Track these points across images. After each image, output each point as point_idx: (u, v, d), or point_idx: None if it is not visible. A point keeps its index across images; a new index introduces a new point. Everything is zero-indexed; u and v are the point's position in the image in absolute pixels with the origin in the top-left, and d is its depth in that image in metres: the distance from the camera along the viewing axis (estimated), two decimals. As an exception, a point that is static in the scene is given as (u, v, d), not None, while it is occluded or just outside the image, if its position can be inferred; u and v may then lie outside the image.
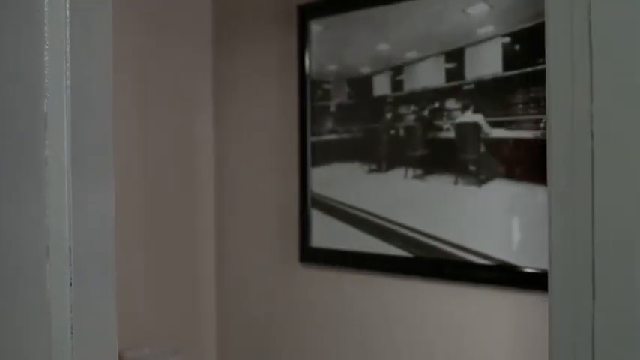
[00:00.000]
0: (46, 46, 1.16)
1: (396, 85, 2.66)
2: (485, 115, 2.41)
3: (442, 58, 2.52)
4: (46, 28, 1.16)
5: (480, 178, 2.43)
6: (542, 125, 2.27)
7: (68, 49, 1.16)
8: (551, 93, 0.99)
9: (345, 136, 2.82)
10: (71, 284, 1.18)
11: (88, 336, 1.21)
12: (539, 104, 2.27)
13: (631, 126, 0.91)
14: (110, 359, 1.27)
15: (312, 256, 2.95)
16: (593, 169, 0.94)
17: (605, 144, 0.93)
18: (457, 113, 2.48)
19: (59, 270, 1.18)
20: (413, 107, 2.60)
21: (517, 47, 2.34)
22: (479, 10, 2.44)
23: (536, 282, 2.32)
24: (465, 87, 2.46)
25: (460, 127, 2.48)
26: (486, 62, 2.40)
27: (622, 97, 0.91)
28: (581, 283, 0.95)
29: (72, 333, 1.18)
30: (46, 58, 1.17)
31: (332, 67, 2.87)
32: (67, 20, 1.16)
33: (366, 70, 2.75)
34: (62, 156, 1.17)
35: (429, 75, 2.56)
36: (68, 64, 1.16)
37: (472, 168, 2.44)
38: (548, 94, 1.00)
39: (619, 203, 0.92)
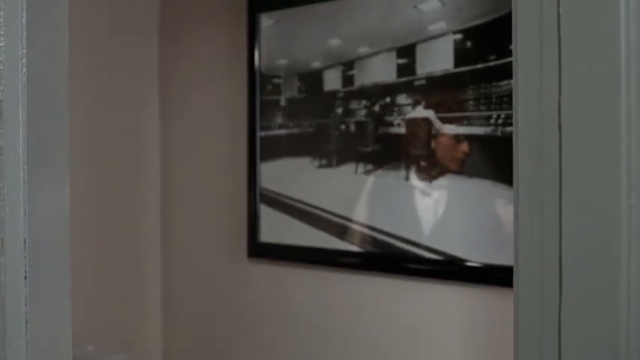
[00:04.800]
0: (2, 32, 1.13)
1: (347, 80, 2.66)
2: (436, 111, 2.42)
3: (393, 54, 2.53)
4: (1, 12, 1.12)
5: (431, 173, 2.44)
6: (492, 121, 2.29)
7: (24, 35, 1.12)
8: (519, 85, 0.99)
9: (295, 130, 2.81)
10: (26, 277, 1.15)
11: (43, 330, 1.17)
12: (490, 100, 2.29)
13: (599, 118, 0.91)
14: (65, 353, 1.24)
15: (260, 251, 2.93)
16: (561, 162, 0.94)
17: (574, 136, 0.93)
18: (408, 109, 2.49)
19: (14, 263, 1.14)
20: (364, 102, 2.60)
21: (468, 44, 2.35)
22: (431, 6, 2.45)
23: (486, 276, 2.34)
24: (417, 83, 2.47)
25: (411, 123, 2.48)
26: (438, 58, 2.42)
27: (590, 90, 0.92)
28: (547, 277, 0.96)
29: (27, 327, 1.14)
30: (1, 43, 1.13)
31: (282, 62, 2.85)
32: (24, 5, 1.12)
33: (316, 64, 2.74)
34: (17, 146, 1.14)
35: (380, 70, 2.56)
36: (24, 51, 1.13)
37: (423, 163, 2.45)
38: (516, 87, 1.00)
39: (587, 195, 0.93)
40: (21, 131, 1.13)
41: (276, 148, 2.86)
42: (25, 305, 1.14)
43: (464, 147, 2.37)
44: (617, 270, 0.92)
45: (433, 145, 2.43)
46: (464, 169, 2.37)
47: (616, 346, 0.92)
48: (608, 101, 0.91)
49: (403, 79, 2.50)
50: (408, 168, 2.49)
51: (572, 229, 0.95)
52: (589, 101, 0.93)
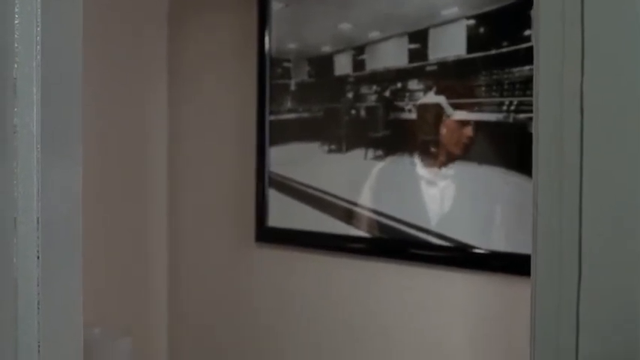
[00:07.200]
0: (16, 9, 1.11)
1: (358, 64, 2.64)
2: (448, 97, 2.40)
3: (405, 39, 2.51)
4: (16, -11, 1.11)
5: (441, 159, 2.42)
6: (504, 108, 2.27)
7: (39, 12, 1.11)
8: (540, 67, 0.97)
9: (305, 115, 2.79)
10: (38, 257, 1.14)
11: (55, 311, 1.17)
12: (503, 87, 2.27)
13: (623, 102, 0.90)
14: (76, 334, 1.23)
15: (268, 236, 2.93)
16: (582, 148, 0.93)
17: (596, 121, 0.92)
18: (419, 94, 2.47)
19: (26, 243, 1.13)
20: (374, 87, 2.59)
21: (481, 29, 2.33)
22: (443, -9, 2.43)
23: (494, 263, 2.34)
24: (428, 68, 2.45)
25: (422, 109, 2.47)
26: (450, 44, 2.40)
27: (614, 73, 0.91)
28: (566, 265, 0.94)
29: (39, 308, 1.14)
30: (16, 21, 1.12)
31: (292, 46, 2.83)
32: (38, -18, 1.11)
33: (327, 49, 2.73)
34: (31, 124, 1.13)
35: (392, 55, 2.54)
36: (39, 29, 1.11)
37: (433, 149, 2.44)
38: (536, 69, 0.99)
39: (608, 183, 0.92)
40: (35, 110, 1.12)
41: (286, 133, 2.85)
42: (37, 286, 1.14)
43: (474, 133, 2.35)
44: (637, 258, 0.91)
45: (444, 131, 2.41)
46: (474, 155, 2.35)
47: (635, 333, 0.91)
48: (633, 85, 0.89)
49: (415, 65, 2.48)
50: (418, 154, 2.48)
51: (593, 217, 0.94)
52: (613, 85, 0.91)
